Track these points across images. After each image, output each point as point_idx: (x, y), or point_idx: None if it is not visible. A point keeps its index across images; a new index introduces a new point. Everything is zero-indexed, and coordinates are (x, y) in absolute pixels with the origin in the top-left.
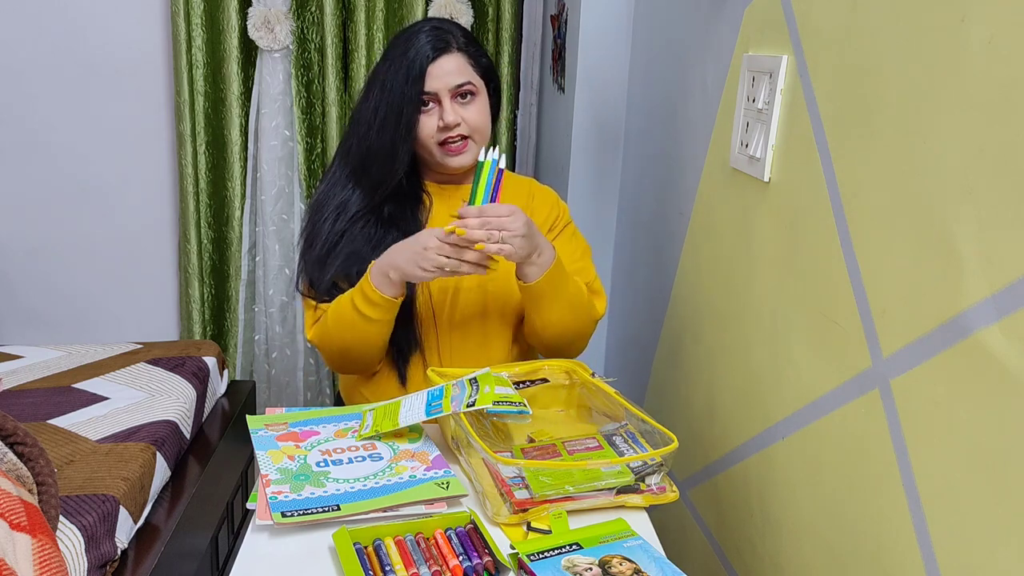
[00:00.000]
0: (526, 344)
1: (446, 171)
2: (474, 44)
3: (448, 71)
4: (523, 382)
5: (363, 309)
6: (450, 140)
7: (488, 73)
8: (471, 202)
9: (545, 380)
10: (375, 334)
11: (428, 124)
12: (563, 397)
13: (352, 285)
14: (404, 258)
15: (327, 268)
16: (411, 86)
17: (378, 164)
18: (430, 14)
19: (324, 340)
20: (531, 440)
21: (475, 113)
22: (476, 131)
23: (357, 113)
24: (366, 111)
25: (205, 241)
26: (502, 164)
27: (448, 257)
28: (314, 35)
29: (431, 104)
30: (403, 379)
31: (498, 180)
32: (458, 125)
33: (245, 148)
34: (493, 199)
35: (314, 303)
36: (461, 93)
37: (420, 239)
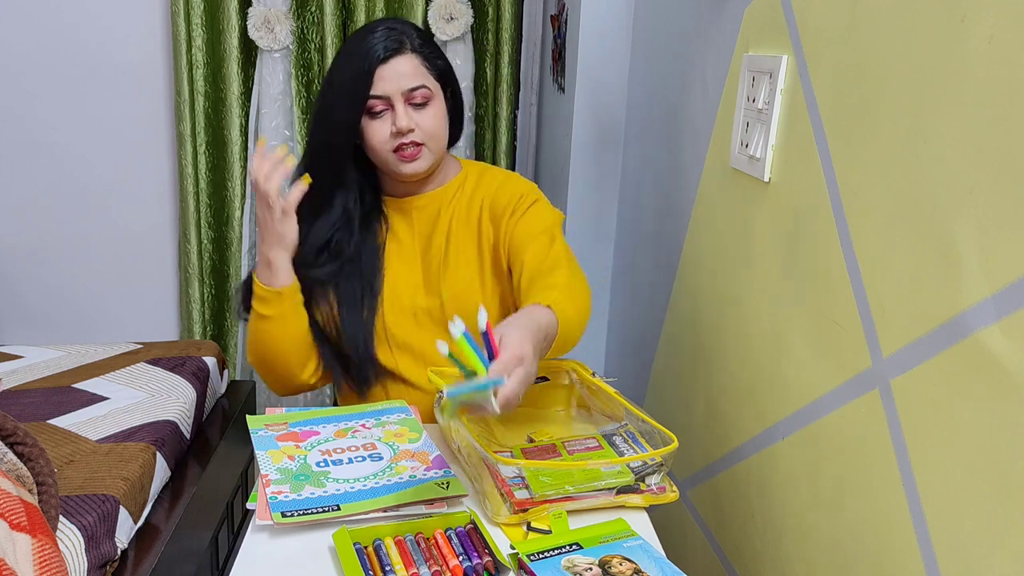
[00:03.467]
0: None
1: (400, 179)
2: (430, 45)
3: (401, 73)
4: None
5: (258, 308)
6: (403, 146)
7: (445, 76)
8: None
9: (545, 379)
10: (276, 333)
11: (380, 130)
12: (563, 397)
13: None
14: (266, 238)
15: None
16: (358, 85)
17: (319, 166)
18: (430, 14)
19: (251, 360)
20: (531, 440)
21: (430, 119)
22: (431, 138)
23: (310, 123)
24: (315, 117)
25: (205, 241)
26: (482, 323)
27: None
28: (314, 35)
29: (383, 109)
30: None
31: (487, 339)
32: (412, 131)
33: (245, 148)
34: (490, 355)
35: None
36: (415, 98)
37: (258, 220)
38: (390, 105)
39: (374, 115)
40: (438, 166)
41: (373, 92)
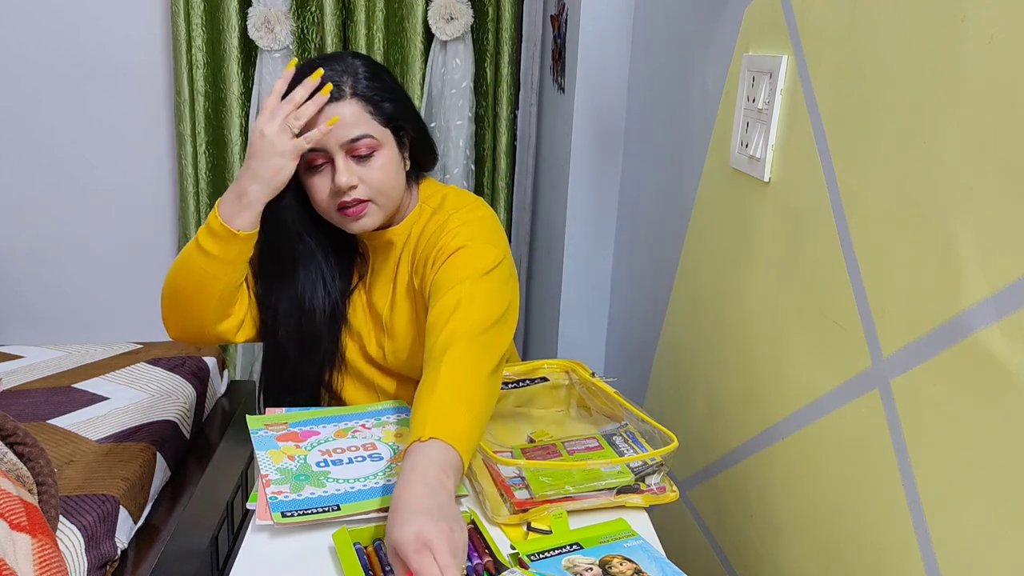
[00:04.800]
0: None
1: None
2: (376, 86)
3: (340, 122)
4: (523, 381)
5: (203, 242)
6: (346, 204)
7: (395, 120)
8: None
9: (545, 379)
10: (211, 274)
11: (321, 187)
12: (563, 397)
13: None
14: (253, 158)
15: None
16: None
17: (275, 230)
18: (430, 14)
19: (165, 290)
20: (531, 440)
21: (377, 171)
22: (379, 192)
23: None
24: None
25: None
26: None
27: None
28: (314, 35)
29: (323, 163)
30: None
31: None
32: (353, 188)
33: (245, 148)
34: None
35: None
36: (358, 149)
37: (256, 139)
38: (329, 158)
39: (314, 169)
40: (393, 213)
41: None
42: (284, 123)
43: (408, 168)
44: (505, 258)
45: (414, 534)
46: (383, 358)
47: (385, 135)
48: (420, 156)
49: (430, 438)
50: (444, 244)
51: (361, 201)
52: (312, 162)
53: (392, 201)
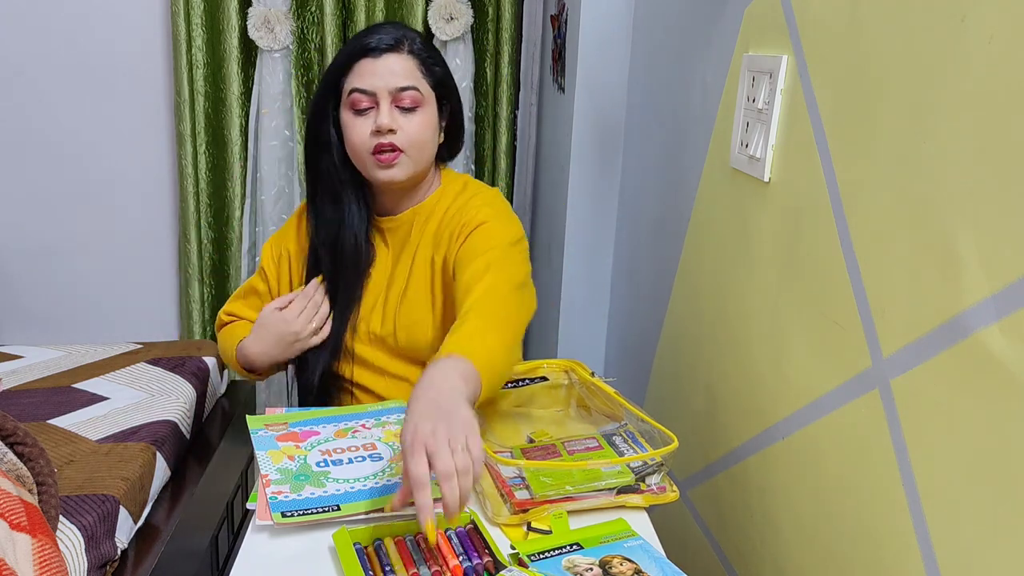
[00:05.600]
0: None
1: (376, 185)
2: (431, 51)
3: (393, 70)
4: (522, 380)
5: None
6: (382, 148)
7: (441, 86)
8: None
9: (544, 379)
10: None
11: (362, 128)
12: (563, 397)
13: None
14: (274, 346)
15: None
16: (338, 72)
17: (315, 169)
18: (430, 14)
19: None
20: (531, 440)
21: (416, 125)
22: (413, 145)
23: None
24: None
25: (205, 241)
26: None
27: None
28: (314, 35)
29: (368, 107)
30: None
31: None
32: (392, 132)
33: (245, 148)
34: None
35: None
36: (403, 100)
37: (286, 325)
38: (376, 103)
39: (359, 112)
40: (418, 180)
41: (360, 86)
42: (308, 326)
43: (442, 141)
44: (524, 238)
45: (411, 435)
46: (392, 335)
47: (429, 95)
48: (450, 135)
49: (445, 355)
50: (468, 219)
51: (396, 150)
52: (356, 104)
53: (422, 160)
